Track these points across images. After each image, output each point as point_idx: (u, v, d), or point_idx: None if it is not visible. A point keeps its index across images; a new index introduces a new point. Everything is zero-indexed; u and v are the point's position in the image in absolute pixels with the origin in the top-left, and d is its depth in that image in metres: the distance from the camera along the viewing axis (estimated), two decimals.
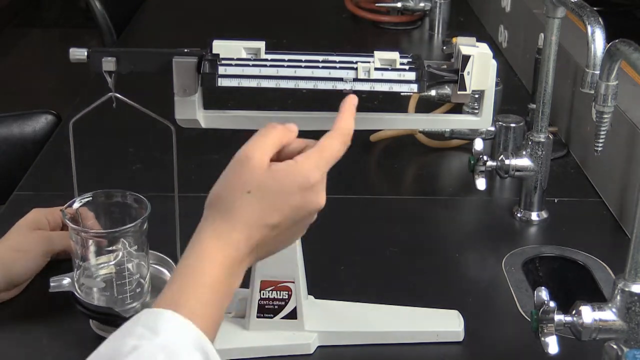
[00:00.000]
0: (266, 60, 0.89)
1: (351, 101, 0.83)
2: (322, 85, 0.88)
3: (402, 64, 0.90)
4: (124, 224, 0.98)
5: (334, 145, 0.80)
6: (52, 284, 1.00)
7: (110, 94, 0.91)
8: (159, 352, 0.70)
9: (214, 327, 0.76)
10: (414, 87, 0.89)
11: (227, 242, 0.77)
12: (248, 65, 0.88)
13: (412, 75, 0.89)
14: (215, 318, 0.76)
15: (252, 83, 0.88)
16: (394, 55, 0.90)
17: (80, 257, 0.99)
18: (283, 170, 0.77)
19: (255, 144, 0.79)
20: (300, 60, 0.89)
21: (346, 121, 0.82)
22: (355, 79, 0.88)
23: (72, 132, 0.95)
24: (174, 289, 0.75)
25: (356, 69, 0.88)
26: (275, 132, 0.80)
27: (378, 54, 0.89)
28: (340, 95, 0.89)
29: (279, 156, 0.80)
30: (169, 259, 1.05)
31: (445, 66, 0.92)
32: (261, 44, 0.91)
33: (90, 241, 0.99)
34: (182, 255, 0.77)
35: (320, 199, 0.79)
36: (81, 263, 0.99)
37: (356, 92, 0.89)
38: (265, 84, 0.88)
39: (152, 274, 1.03)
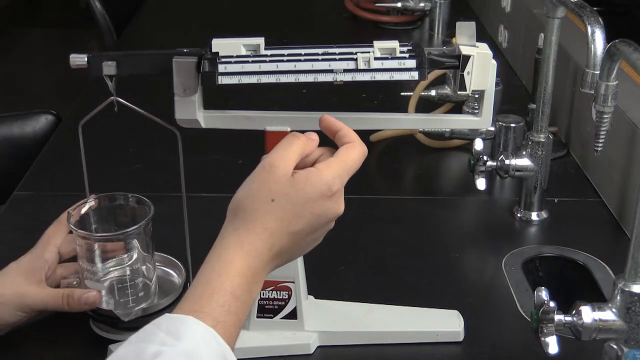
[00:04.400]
0: (266, 56, 0.89)
1: (331, 118, 0.85)
2: (322, 78, 0.87)
3: (402, 52, 0.89)
4: (128, 226, 0.98)
5: (355, 155, 0.82)
6: None
7: (111, 97, 0.91)
8: (182, 359, 0.69)
9: (235, 335, 0.76)
10: (415, 75, 0.88)
11: (250, 251, 0.77)
12: (248, 62, 0.88)
13: (412, 63, 0.88)
14: (236, 326, 0.76)
15: (252, 79, 0.88)
16: (394, 43, 0.89)
17: (86, 261, 0.99)
18: (306, 178, 0.79)
19: (280, 153, 0.80)
20: (300, 54, 0.89)
21: (354, 133, 0.84)
22: (356, 70, 0.88)
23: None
24: (196, 295, 0.75)
25: (356, 59, 0.88)
26: (299, 142, 0.81)
27: (377, 44, 0.89)
28: (340, 94, 0.89)
29: (299, 164, 0.81)
30: (176, 260, 1.05)
31: (445, 51, 0.91)
32: (260, 40, 0.90)
33: (96, 245, 0.98)
34: (204, 262, 0.78)
35: (340, 206, 0.81)
36: (87, 267, 0.99)
37: (356, 85, 0.88)
38: (266, 79, 0.88)
39: (158, 276, 1.04)
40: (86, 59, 0.90)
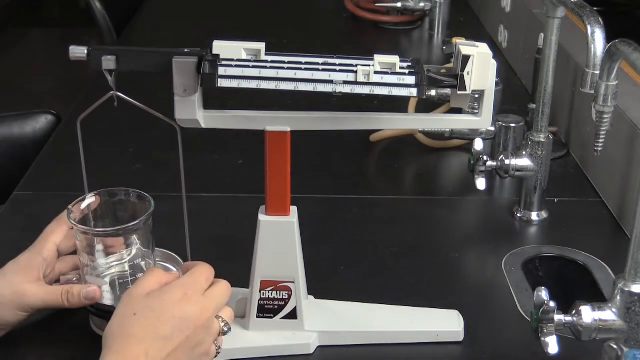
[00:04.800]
0: (266, 61, 0.89)
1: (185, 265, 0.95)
2: (321, 88, 0.88)
3: (402, 67, 0.90)
4: (129, 221, 0.98)
5: (198, 269, 0.89)
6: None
7: (111, 92, 0.91)
8: None
9: None
10: (414, 92, 0.89)
11: (126, 358, 0.81)
12: (248, 67, 0.88)
13: (411, 80, 0.89)
14: None
15: (252, 84, 0.88)
16: (394, 59, 0.90)
17: (86, 257, 0.99)
18: (160, 290, 0.86)
19: (137, 282, 0.88)
20: (300, 63, 0.89)
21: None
22: (355, 82, 0.88)
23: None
24: None
25: (356, 72, 0.88)
26: (156, 271, 0.89)
27: (378, 58, 0.89)
28: (338, 97, 0.89)
29: None
30: (175, 256, 1.05)
31: (444, 70, 0.92)
32: (261, 46, 0.91)
33: (96, 240, 0.99)
34: None
35: (204, 311, 0.86)
36: (88, 262, 0.99)
37: (355, 93, 0.89)
38: (265, 85, 0.88)
39: None
40: (86, 52, 0.90)
